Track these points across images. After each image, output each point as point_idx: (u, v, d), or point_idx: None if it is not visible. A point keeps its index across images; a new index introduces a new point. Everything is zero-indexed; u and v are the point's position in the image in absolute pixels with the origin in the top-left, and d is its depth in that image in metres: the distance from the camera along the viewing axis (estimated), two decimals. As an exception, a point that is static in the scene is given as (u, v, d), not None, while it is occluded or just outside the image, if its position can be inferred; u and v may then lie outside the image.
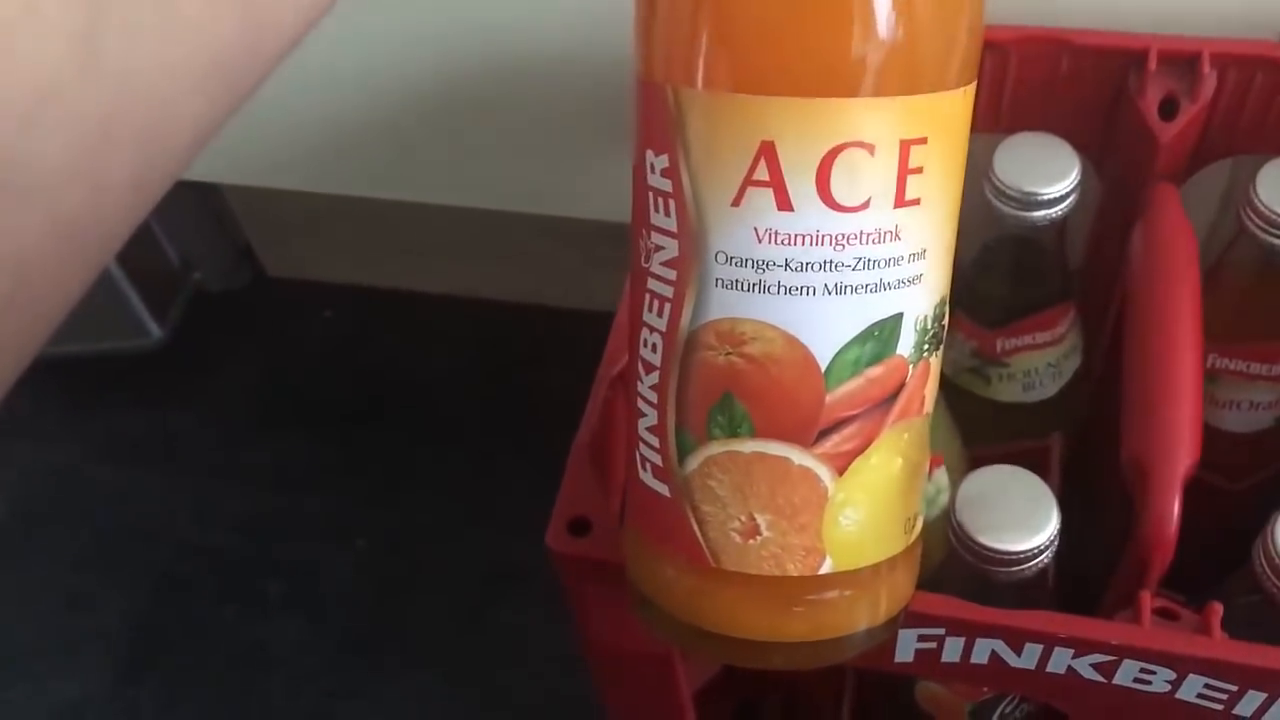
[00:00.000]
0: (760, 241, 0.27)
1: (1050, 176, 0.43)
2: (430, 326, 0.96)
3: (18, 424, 0.93)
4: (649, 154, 0.28)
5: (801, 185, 0.26)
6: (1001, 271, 0.48)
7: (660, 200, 0.28)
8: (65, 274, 0.19)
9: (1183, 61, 0.44)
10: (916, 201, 0.27)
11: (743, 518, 0.29)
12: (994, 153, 0.44)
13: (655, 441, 0.30)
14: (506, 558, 0.82)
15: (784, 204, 0.26)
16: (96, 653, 0.83)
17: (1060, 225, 0.45)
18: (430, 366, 0.96)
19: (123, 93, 0.18)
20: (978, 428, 0.49)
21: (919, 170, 0.26)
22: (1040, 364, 0.50)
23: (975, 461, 0.46)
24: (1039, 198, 0.43)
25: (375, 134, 0.62)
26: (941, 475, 0.45)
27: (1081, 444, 0.54)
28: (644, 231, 0.29)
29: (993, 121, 0.48)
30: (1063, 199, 0.43)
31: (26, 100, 0.17)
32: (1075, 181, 0.44)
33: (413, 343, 0.97)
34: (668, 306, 0.29)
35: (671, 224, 0.28)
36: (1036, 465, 0.43)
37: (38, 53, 0.17)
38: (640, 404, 0.31)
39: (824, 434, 0.28)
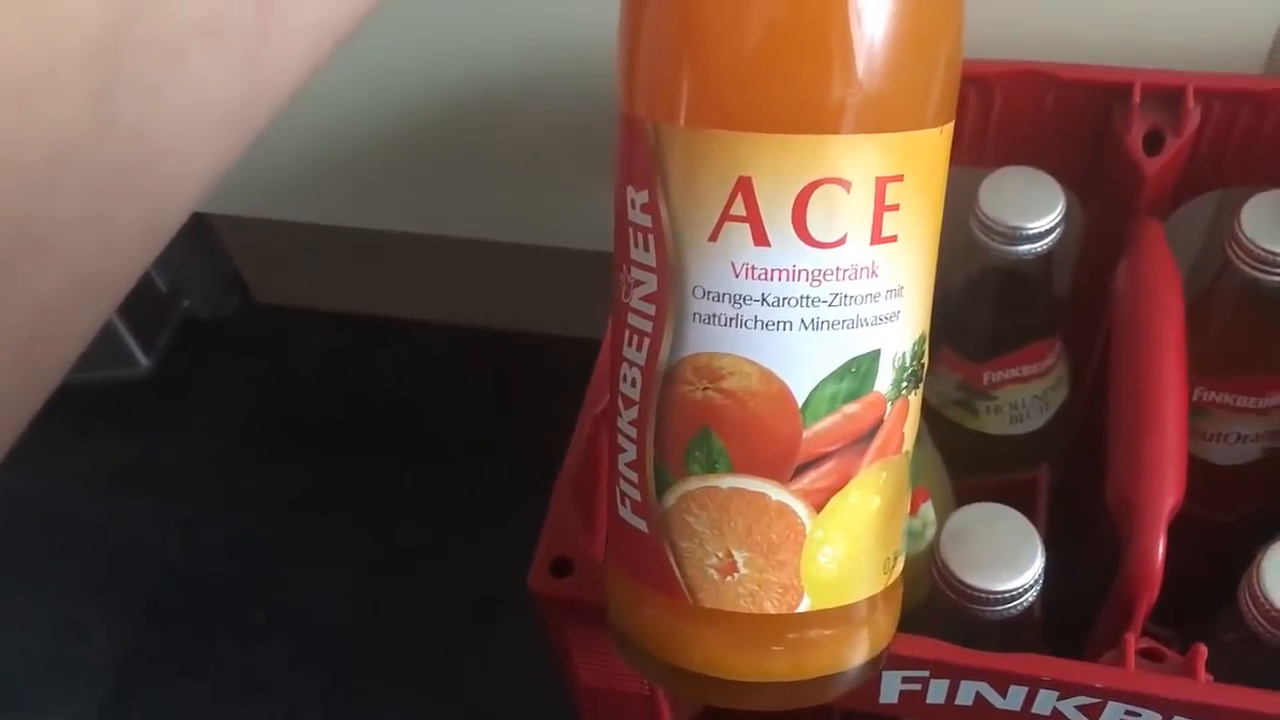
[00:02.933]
0: (737, 276, 0.27)
1: (1036, 211, 0.43)
2: (420, 353, 0.96)
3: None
4: (629, 190, 0.28)
5: (778, 221, 0.26)
6: (988, 304, 0.48)
7: (640, 235, 0.28)
8: (78, 324, 0.20)
9: (1167, 95, 0.45)
10: (893, 239, 0.27)
11: (720, 554, 0.29)
12: (979, 187, 0.44)
13: (634, 477, 0.30)
14: (496, 584, 0.81)
15: (761, 239, 0.26)
16: (84, 681, 0.83)
17: (1046, 259, 0.45)
18: (420, 393, 0.95)
19: (134, 149, 0.18)
20: (965, 460, 0.49)
21: (895, 208, 0.26)
22: (1027, 396, 0.50)
23: (962, 494, 0.45)
24: (1025, 232, 0.43)
25: (364, 164, 0.62)
26: (928, 509, 0.45)
27: (1069, 475, 0.53)
28: (624, 267, 0.29)
29: (978, 155, 0.48)
30: (1048, 233, 0.43)
31: (42, 161, 0.17)
32: (1060, 215, 0.44)
33: (402, 370, 0.97)
34: (646, 341, 0.29)
35: (651, 259, 0.28)
36: (1024, 497, 0.43)
37: (54, 115, 0.17)
38: (620, 439, 0.30)
39: (801, 470, 0.28)
